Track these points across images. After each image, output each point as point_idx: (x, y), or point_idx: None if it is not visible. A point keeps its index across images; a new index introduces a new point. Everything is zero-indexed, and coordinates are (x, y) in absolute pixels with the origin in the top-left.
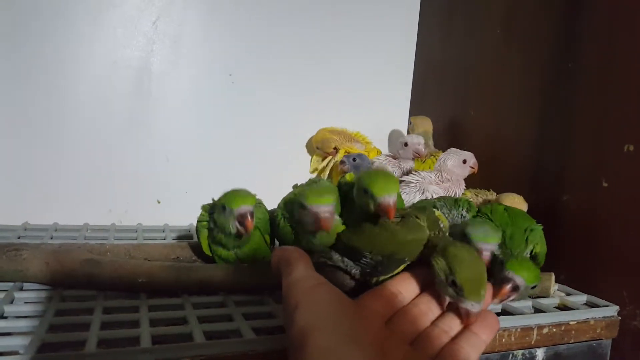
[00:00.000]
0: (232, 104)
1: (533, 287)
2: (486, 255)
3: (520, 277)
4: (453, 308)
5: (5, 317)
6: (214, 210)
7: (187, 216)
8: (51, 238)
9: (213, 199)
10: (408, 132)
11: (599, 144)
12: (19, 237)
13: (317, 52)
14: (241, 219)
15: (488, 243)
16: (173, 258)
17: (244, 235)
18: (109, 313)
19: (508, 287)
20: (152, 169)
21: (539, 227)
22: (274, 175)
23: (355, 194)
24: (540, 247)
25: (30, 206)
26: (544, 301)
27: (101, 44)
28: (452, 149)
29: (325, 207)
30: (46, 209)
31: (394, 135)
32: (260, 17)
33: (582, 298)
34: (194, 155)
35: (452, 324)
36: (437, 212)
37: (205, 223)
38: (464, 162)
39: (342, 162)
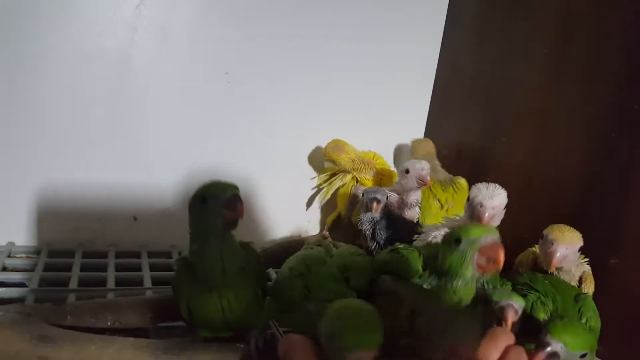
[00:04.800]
0: (228, 109)
1: (583, 356)
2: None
3: (560, 342)
4: None
5: None
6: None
7: (167, 236)
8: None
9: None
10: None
11: None
12: None
13: (325, 53)
14: (228, 206)
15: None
16: (150, 317)
17: (233, 224)
18: None
19: (543, 354)
20: (130, 182)
21: (589, 296)
22: (274, 193)
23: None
24: (595, 321)
25: None
26: None
27: (71, 30)
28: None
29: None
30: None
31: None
32: (264, 10)
33: None
34: (180, 167)
35: None
36: None
37: (185, 266)
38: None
39: (365, 218)
